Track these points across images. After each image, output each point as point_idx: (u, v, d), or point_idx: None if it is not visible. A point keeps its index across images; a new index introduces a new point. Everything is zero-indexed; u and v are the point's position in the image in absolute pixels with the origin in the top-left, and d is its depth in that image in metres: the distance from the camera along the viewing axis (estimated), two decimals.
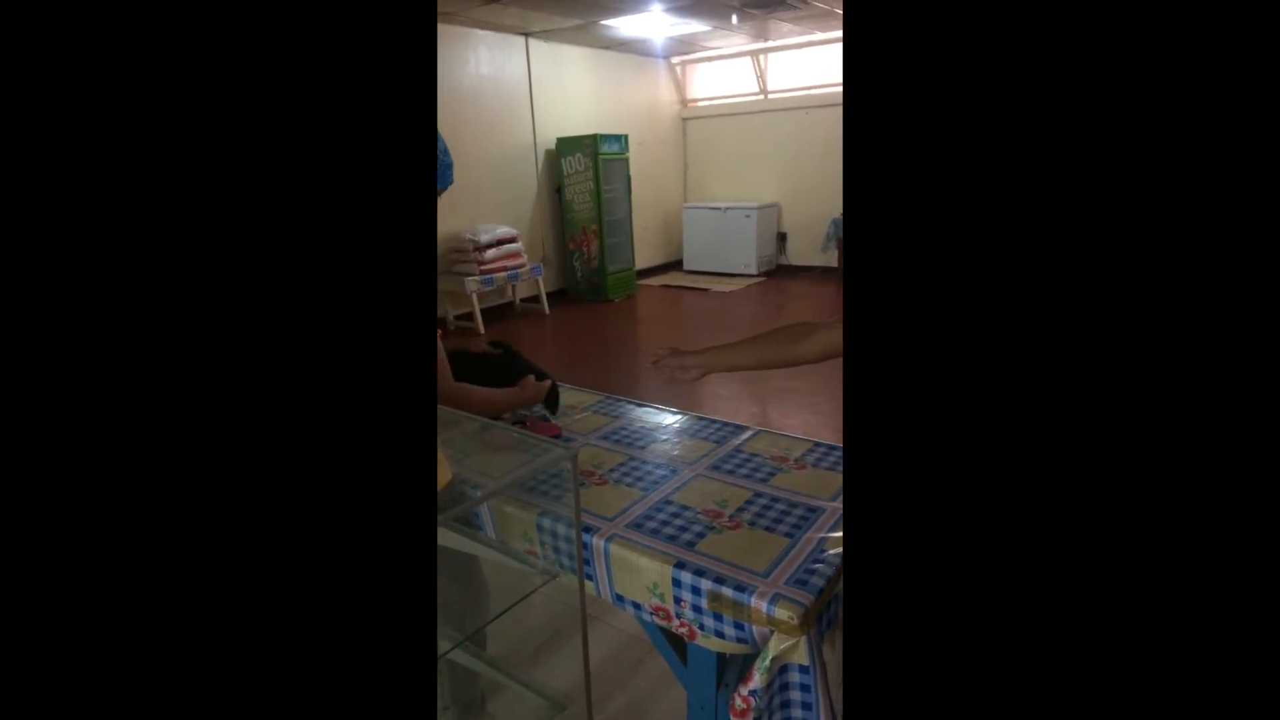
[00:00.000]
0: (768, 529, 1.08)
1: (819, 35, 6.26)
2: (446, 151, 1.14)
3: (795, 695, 0.92)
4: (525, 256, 5.76)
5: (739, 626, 0.94)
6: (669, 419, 1.55)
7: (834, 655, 0.94)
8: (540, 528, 1.15)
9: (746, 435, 1.43)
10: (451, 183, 1.17)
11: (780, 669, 0.92)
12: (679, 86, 7.63)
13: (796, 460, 1.31)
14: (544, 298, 6.05)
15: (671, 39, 6.24)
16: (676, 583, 0.99)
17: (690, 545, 1.04)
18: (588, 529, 1.10)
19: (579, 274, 6.47)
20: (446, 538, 1.13)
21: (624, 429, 1.49)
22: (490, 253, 5.40)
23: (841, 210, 6.53)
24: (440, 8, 4.75)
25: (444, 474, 1.12)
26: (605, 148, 6.08)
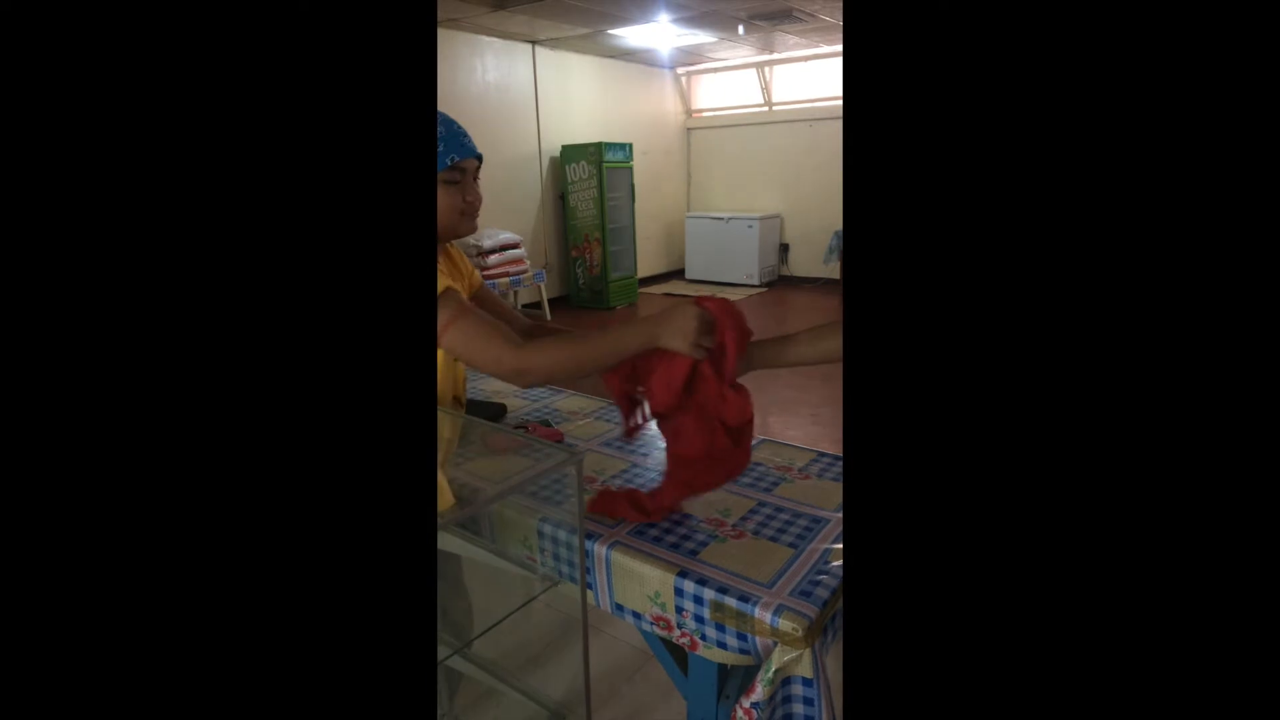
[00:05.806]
0: (772, 539, 1.07)
1: (824, 48, 6.28)
2: (446, 121, 1.12)
3: (798, 708, 0.90)
4: (528, 263, 5.76)
5: (742, 637, 0.93)
6: None
7: (836, 668, 0.92)
8: (541, 533, 1.14)
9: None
10: (473, 154, 1.17)
11: (783, 681, 0.91)
12: (684, 97, 7.66)
13: (800, 470, 1.30)
14: (546, 304, 6.04)
15: (678, 49, 6.27)
16: (679, 591, 0.98)
17: (693, 554, 1.03)
18: (589, 535, 1.08)
19: (581, 281, 6.47)
20: (447, 542, 1.12)
21: None
22: (493, 258, 5.40)
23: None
24: (448, 14, 4.77)
25: (445, 498, 1.10)
26: (610, 156, 6.09)
